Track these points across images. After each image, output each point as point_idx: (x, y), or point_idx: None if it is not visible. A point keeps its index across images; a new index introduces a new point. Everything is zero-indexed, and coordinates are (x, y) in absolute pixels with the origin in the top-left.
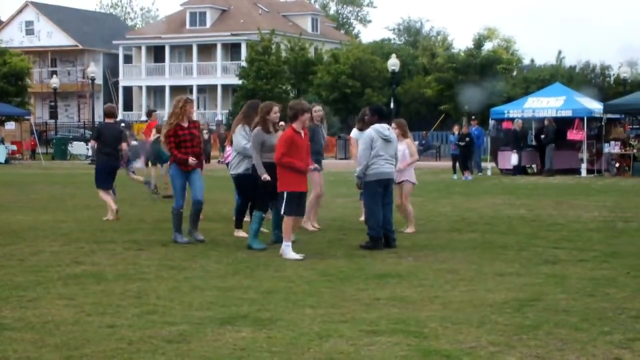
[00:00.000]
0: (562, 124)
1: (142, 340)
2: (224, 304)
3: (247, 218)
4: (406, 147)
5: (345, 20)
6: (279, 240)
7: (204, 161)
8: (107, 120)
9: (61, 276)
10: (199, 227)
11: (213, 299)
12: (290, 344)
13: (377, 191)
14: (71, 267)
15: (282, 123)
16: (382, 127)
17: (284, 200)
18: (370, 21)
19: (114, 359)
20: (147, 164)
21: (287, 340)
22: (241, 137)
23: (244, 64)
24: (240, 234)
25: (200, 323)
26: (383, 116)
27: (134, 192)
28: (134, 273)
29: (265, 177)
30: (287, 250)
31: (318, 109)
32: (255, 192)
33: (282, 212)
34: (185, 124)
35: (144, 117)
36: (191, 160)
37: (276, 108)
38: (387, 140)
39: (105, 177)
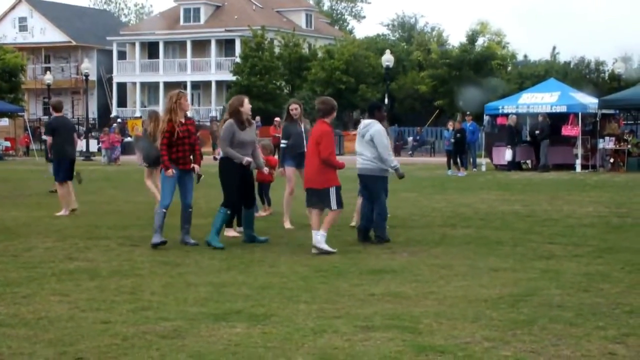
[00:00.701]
0: (557, 119)
1: (137, 336)
2: (218, 300)
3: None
4: None
5: (339, 16)
6: (251, 240)
7: (200, 159)
8: (56, 115)
9: (55, 272)
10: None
11: (207, 295)
12: (284, 340)
13: (360, 187)
14: (65, 263)
15: (277, 119)
16: (362, 123)
17: (335, 195)
18: (364, 17)
19: (108, 355)
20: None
21: (281, 336)
22: None
23: (238, 60)
24: (231, 233)
25: (195, 319)
26: (369, 112)
27: (129, 189)
28: (128, 269)
29: (248, 159)
30: (322, 240)
31: (295, 107)
32: (236, 179)
33: (333, 207)
34: (183, 120)
35: (138, 114)
36: (171, 172)
37: (247, 100)
38: (361, 135)
39: (65, 168)
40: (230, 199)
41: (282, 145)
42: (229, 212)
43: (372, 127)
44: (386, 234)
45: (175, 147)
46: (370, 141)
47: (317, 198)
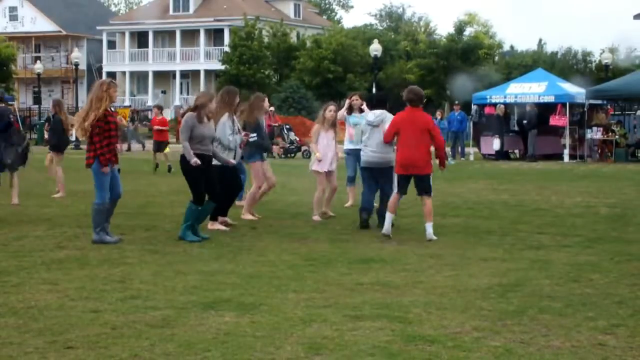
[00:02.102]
0: (545, 109)
1: (126, 325)
2: (207, 289)
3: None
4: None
5: (327, 5)
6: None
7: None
8: None
9: (45, 261)
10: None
11: (196, 284)
12: (273, 329)
13: (364, 175)
14: (55, 252)
15: (272, 108)
16: (371, 114)
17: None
18: (352, 7)
19: (98, 344)
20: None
21: (270, 325)
22: (228, 127)
23: (227, 49)
24: (215, 226)
25: (184, 308)
26: (377, 104)
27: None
28: (118, 258)
29: (196, 161)
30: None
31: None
32: (201, 174)
33: (431, 193)
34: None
35: (127, 103)
36: (108, 169)
37: (215, 98)
38: (371, 125)
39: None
40: (199, 195)
41: (252, 139)
42: (199, 207)
43: (387, 117)
44: None
45: (108, 139)
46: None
47: (419, 183)
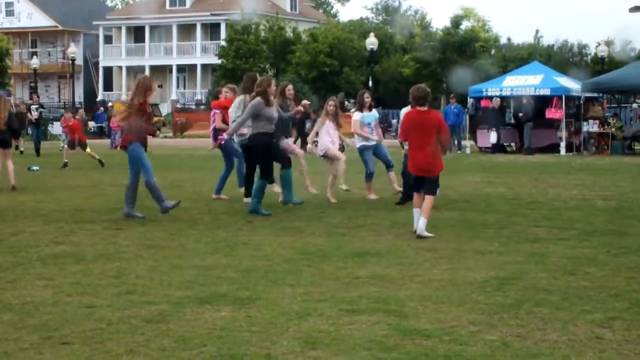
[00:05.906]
0: (541, 102)
1: (122, 320)
2: (203, 283)
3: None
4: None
5: None
6: (255, 210)
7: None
8: None
9: (40, 256)
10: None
11: (192, 278)
12: (269, 323)
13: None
14: (50, 247)
15: (306, 102)
16: (402, 111)
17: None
18: (348, 0)
19: (93, 340)
20: None
21: (266, 320)
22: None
23: (223, 43)
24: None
25: (180, 302)
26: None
27: (113, 172)
28: (113, 253)
29: (230, 134)
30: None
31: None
32: (269, 151)
33: (436, 193)
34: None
35: (124, 97)
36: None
37: (274, 81)
38: None
39: None
40: (267, 170)
41: None
42: (268, 182)
43: None
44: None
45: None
46: None
47: (427, 185)
